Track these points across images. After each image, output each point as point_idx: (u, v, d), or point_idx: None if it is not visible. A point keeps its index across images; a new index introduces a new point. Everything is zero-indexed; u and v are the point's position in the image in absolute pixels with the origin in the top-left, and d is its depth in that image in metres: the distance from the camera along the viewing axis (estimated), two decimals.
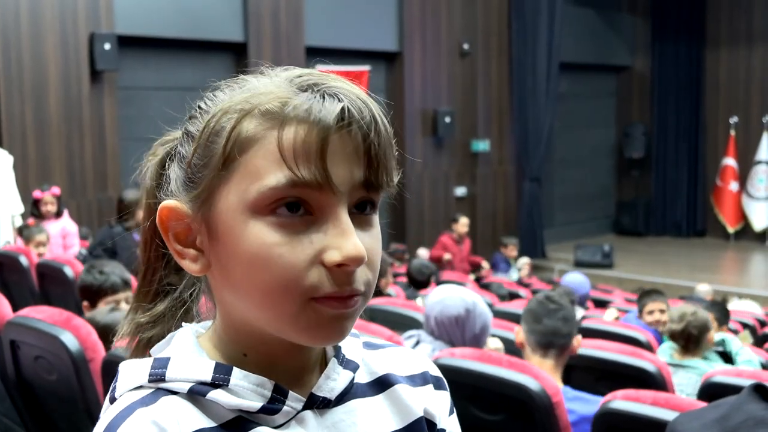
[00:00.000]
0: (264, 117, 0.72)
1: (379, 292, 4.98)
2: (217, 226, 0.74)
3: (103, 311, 2.80)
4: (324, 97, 0.72)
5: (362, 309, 0.75)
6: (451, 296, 3.01)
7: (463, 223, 10.10)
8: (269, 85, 0.74)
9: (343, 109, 0.71)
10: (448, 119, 11.46)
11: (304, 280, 0.70)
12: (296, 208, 0.71)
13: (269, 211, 0.71)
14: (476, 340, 2.99)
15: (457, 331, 2.98)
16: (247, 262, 0.71)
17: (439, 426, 0.89)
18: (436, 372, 0.92)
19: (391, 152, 0.75)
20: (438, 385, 0.91)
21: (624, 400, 2.20)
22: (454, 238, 10.00)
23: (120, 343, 0.86)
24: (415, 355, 0.92)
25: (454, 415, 0.93)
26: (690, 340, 3.92)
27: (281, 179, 0.70)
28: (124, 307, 3.08)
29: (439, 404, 0.89)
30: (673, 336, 3.97)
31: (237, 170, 0.72)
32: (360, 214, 0.74)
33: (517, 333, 2.80)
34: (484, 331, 3.02)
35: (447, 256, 9.67)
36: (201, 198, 0.74)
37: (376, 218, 0.76)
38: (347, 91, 0.73)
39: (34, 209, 6.19)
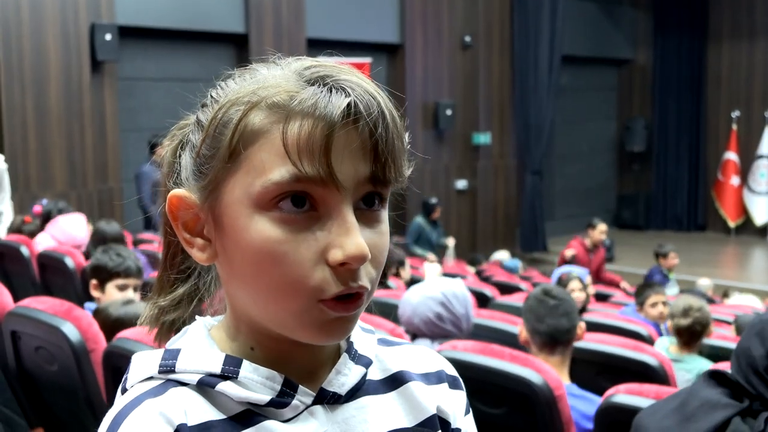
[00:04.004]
0: (270, 110, 0.71)
1: (383, 285, 4.97)
2: (223, 219, 0.73)
3: (116, 303, 2.80)
4: (331, 91, 0.70)
5: (365, 307, 0.75)
6: (419, 302, 3.06)
7: (600, 230, 8.42)
8: (278, 77, 0.73)
9: (349, 104, 0.70)
10: (449, 112, 11.43)
11: (310, 280, 0.70)
12: (301, 203, 0.70)
13: (273, 206, 0.70)
14: (467, 318, 3.08)
15: (446, 324, 3.04)
16: (252, 257, 0.71)
17: (454, 425, 0.88)
18: (453, 371, 0.91)
19: (400, 147, 0.74)
20: (454, 385, 0.90)
21: (627, 394, 2.20)
22: (586, 246, 8.46)
23: (127, 332, 0.86)
24: (431, 353, 0.91)
25: (470, 415, 0.91)
26: (693, 336, 3.90)
27: (285, 174, 0.69)
28: (131, 294, 3.13)
29: (454, 403, 0.88)
30: (679, 331, 3.92)
31: (243, 163, 0.71)
32: (367, 210, 0.73)
33: (521, 331, 2.79)
34: (467, 305, 3.09)
35: (570, 251, 8.14)
36: (208, 189, 0.74)
37: (384, 214, 0.75)
38: (356, 84, 0.72)
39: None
